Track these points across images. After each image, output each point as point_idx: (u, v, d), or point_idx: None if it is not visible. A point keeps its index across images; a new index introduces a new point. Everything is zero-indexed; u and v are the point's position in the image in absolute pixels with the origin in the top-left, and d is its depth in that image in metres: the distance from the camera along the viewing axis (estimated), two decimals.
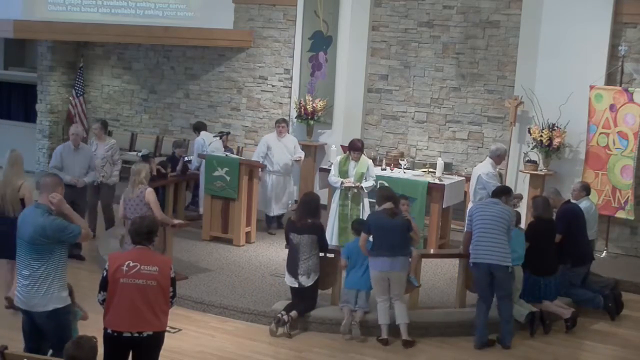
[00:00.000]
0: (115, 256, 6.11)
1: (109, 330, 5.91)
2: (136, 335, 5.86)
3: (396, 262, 8.34)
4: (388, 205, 8.49)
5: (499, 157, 10.40)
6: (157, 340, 5.99)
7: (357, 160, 10.62)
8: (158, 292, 5.91)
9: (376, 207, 8.76)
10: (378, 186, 10.43)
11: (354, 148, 10.63)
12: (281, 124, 12.12)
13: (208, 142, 12.11)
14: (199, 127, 12.78)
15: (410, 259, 8.61)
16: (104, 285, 5.97)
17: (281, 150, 11.99)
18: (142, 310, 5.85)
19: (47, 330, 6.28)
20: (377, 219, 8.47)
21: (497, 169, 10.52)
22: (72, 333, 6.33)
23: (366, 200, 10.65)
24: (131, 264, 5.88)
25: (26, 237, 6.18)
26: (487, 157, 10.47)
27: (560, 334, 8.96)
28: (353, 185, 10.51)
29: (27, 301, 6.24)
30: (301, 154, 12.30)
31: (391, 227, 8.35)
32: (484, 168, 10.31)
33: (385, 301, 8.41)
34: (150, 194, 9.02)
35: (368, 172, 10.62)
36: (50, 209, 6.24)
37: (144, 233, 6.03)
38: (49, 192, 6.29)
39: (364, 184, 10.56)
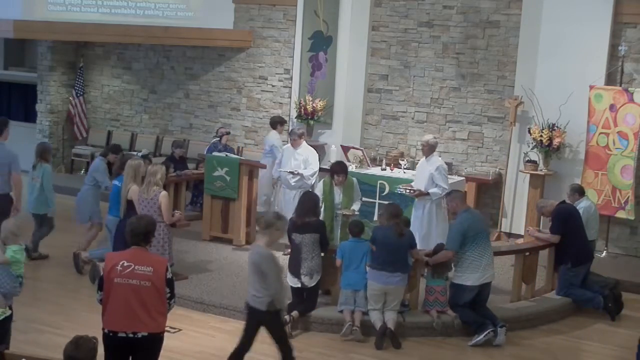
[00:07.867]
0: (111, 256, 6.10)
1: (106, 330, 5.91)
2: (131, 335, 5.83)
3: (395, 278, 8.41)
4: (396, 221, 8.50)
5: None
6: (153, 342, 5.94)
7: (341, 184, 9.85)
8: (153, 293, 5.87)
9: (379, 219, 8.79)
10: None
11: (336, 171, 9.82)
12: (290, 135, 11.35)
13: (278, 146, 11.91)
14: (280, 122, 12.44)
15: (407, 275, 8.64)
16: (101, 284, 5.98)
17: (287, 161, 11.15)
18: (137, 311, 5.82)
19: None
20: (384, 235, 8.48)
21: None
22: None
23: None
24: (125, 264, 5.87)
25: None
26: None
27: (561, 334, 8.97)
28: (350, 214, 9.83)
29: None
30: (304, 171, 10.88)
31: (397, 246, 8.42)
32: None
33: (379, 310, 8.48)
34: (163, 197, 9.02)
35: (354, 192, 10.00)
36: None
37: (142, 234, 6.01)
38: None
39: (355, 207, 9.96)
